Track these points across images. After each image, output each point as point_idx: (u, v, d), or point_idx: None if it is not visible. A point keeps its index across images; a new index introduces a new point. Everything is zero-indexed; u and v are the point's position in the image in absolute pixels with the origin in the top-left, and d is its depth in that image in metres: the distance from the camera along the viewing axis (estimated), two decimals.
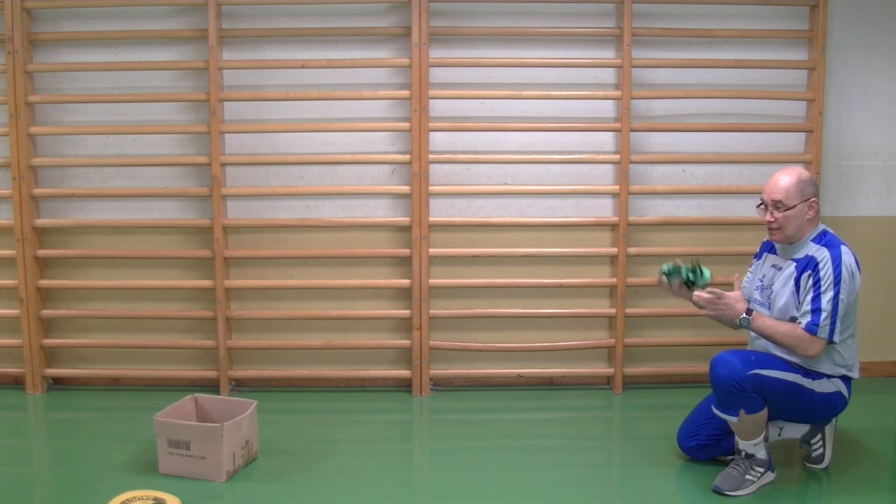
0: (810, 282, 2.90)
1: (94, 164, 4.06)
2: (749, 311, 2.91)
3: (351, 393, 4.17)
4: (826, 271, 2.89)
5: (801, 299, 2.93)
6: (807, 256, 2.96)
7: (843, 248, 2.95)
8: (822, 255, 2.93)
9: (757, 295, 3.14)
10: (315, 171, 4.07)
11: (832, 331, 2.87)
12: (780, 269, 3.06)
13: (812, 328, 2.86)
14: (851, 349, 3.01)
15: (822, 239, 3.00)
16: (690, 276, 3.06)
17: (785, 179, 2.98)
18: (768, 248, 3.19)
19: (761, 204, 3.04)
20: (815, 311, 2.87)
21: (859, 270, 2.97)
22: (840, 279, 2.88)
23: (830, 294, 2.86)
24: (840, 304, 2.87)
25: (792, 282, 2.96)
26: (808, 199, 2.97)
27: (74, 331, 4.16)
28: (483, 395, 4.14)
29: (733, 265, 3.45)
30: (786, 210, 2.96)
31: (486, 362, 4.18)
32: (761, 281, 3.14)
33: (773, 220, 2.99)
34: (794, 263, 2.99)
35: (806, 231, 3.01)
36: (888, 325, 4.26)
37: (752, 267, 3.27)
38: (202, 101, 3.94)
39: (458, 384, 4.21)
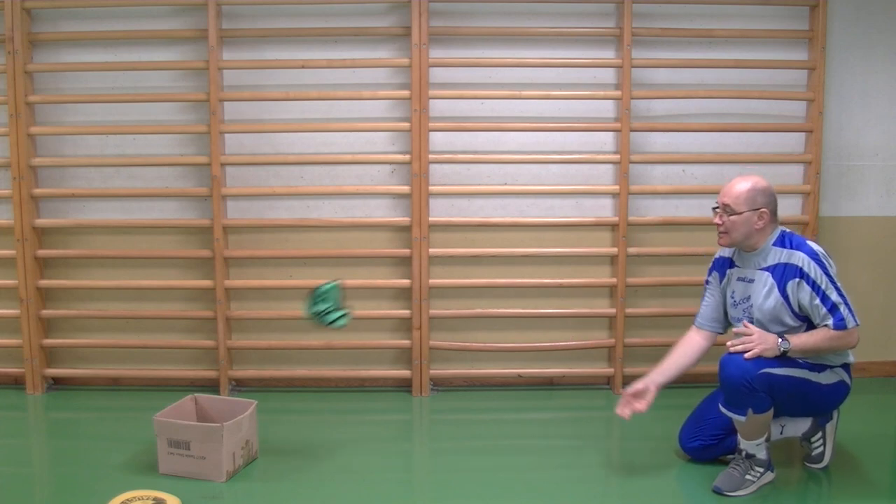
0: (806, 287, 2.90)
1: (94, 164, 4.06)
2: (782, 337, 2.90)
3: (351, 393, 4.17)
4: (814, 272, 2.90)
5: (801, 306, 2.93)
6: (780, 264, 2.96)
7: (810, 243, 2.99)
8: (799, 258, 2.92)
9: (735, 313, 3.12)
10: (315, 171, 4.07)
11: (853, 315, 2.91)
12: (750, 280, 3.04)
13: (840, 324, 2.89)
14: None
15: (784, 241, 3.00)
16: (325, 316, 3.08)
17: (739, 185, 3.00)
18: (728, 264, 3.16)
19: (716, 206, 3.05)
20: (832, 308, 2.89)
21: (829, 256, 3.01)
22: (827, 271, 2.91)
23: (832, 288, 2.89)
24: (842, 289, 2.91)
25: (776, 292, 2.95)
26: (757, 209, 2.96)
27: (74, 331, 4.16)
28: (483, 395, 4.14)
29: None
30: (731, 215, 2.97)
31: (486, 362, 4.18)
32: (733, 297, 3.12)
33: (720, 223, 3.01)
34: (768, 273, 2.98)
35: (757, 239, 3.00)
36: (888, 325, 4.26)
37: (712, 290, 3.21)
38: (202, 101, 3.94)
39: (458, 384, 4.21)
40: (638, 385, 3.09)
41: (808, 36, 3.97)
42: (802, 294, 2.91)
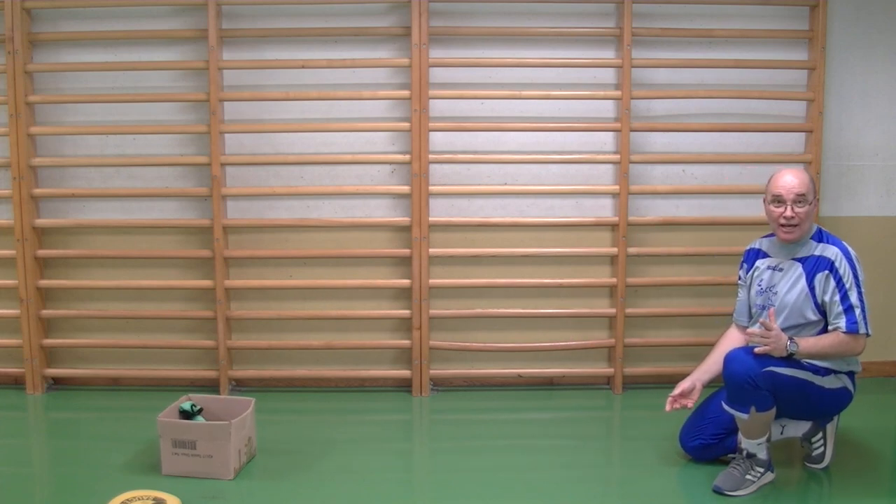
0: (831, 282, 2.92)
1: (94, 164, 4.06)
2: (791, 339, 2.90)
3: (351, 393, 4.17)
4: (844, 269, 2.92)
5: (823, 300, 2.94)
6: (814, 256, 2.98)
7: (845, 244, 3.00)
8: (833, 253, 2.95)
9: (758, 300, 3.14)
10: (315, 171, 4.07)
11: (867, 323, 2.92)
12: (780, 269, 3.07)
13: (853, 327, 2.90)
14: None
15: (821, 237, 3.03)
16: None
17: (803, 175, 3.02)
18: (759, 255, 3.19)
19: (777, 199, 2.98)
20: (848, 309, 2.90)
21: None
22: (856, 273, 2.93)
23: (855, 290, 2.91)
24: (863, 295, 2.93)
25: (803, 282, 2.97)
26: (816, 197, 3.03)
27: (74, 331, 4.16)
28: (483, 395, 4.14)
29: (733, 265, 3.45)
30: (808, 205, 2.97)
31: (486, 362, 4.18)
32: (759, 285, 3.14)
33: (793, 215, 2.97)
34: (800, 264, 3.01)
35: (808, 229, 3.04)
36: (888, 325, 4.26)
37: (743, 284, 3.25)
38: (202, 101, 3.94)
39: (458, 384, 4.21)
40: (685, 384, 3.12)
41: (808, 36, 3.97)
42: (827, 288, 2.93)
